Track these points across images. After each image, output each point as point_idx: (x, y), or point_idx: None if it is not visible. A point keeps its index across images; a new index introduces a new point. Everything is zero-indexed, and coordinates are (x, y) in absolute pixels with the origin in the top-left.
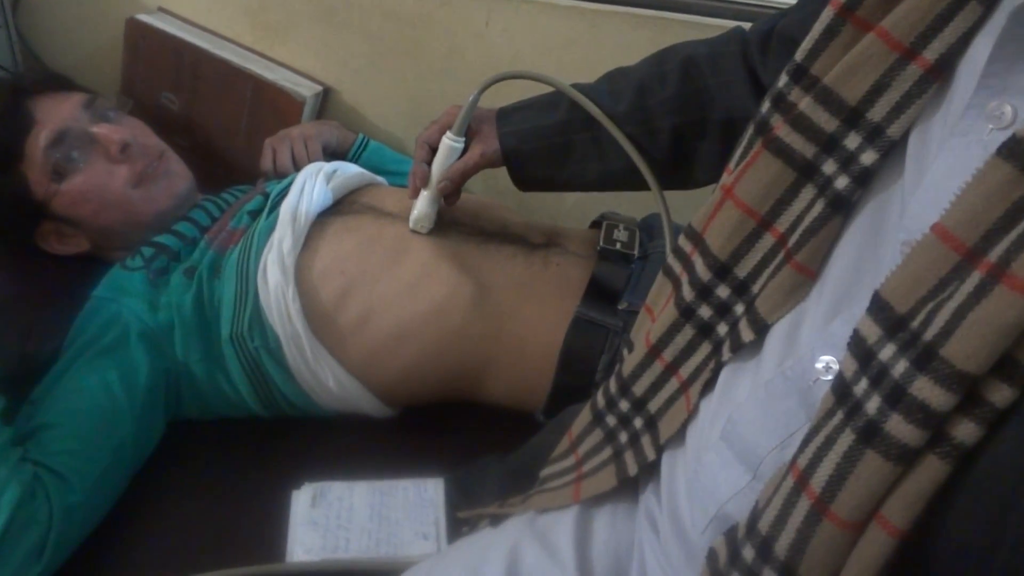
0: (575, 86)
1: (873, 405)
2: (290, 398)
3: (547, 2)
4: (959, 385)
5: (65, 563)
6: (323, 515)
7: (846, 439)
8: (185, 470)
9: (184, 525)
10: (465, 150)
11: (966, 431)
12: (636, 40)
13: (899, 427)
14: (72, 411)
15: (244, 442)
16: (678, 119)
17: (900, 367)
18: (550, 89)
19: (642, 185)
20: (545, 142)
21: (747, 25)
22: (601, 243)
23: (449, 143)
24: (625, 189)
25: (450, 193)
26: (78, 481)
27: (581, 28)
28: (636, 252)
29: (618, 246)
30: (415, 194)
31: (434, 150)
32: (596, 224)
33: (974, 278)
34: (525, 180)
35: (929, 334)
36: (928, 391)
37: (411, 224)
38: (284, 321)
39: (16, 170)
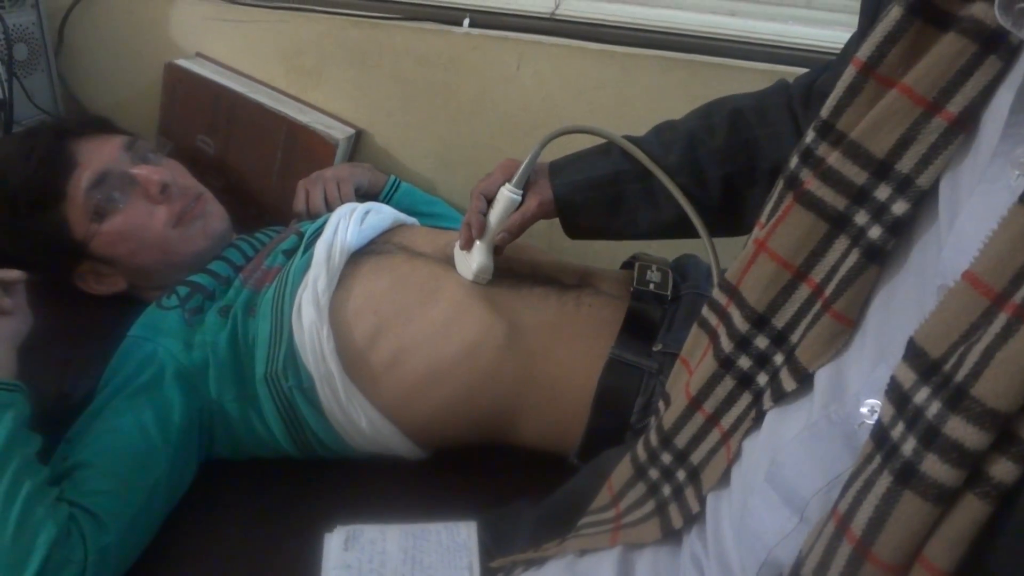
0: (626, 138)
1: (909, 447)
2: (323, 439)
3: (578, 46)
4: (991, 423)
5: None
6: (356, 559)
7: (884, 481)
8: (218, 512)
9: (217, 567)
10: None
11: (1004, 470)
12: (667, 83)
13: (935, 467)
14: (107, 450)
15: (277, 484)
16: (728, 168)
17: (933, 408)
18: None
19: (693, 233)
20: (598, 193)
21: (778, 69)
22: (635, 284)
23: (509, 194)
24: (675, 237)
25: (505, 245)
26: (112, 522)
27: (612, 71)
28: (669, 293)
29: (651, 287)
30: (468, 244)
31: (490, 201)
32: (627, 265)
33: (1001, 319)
34: (577, 229)
35: (960, 375)
36: (961, 430)
37: (472, 276)
38: (318, 361)
39: (57, 210)
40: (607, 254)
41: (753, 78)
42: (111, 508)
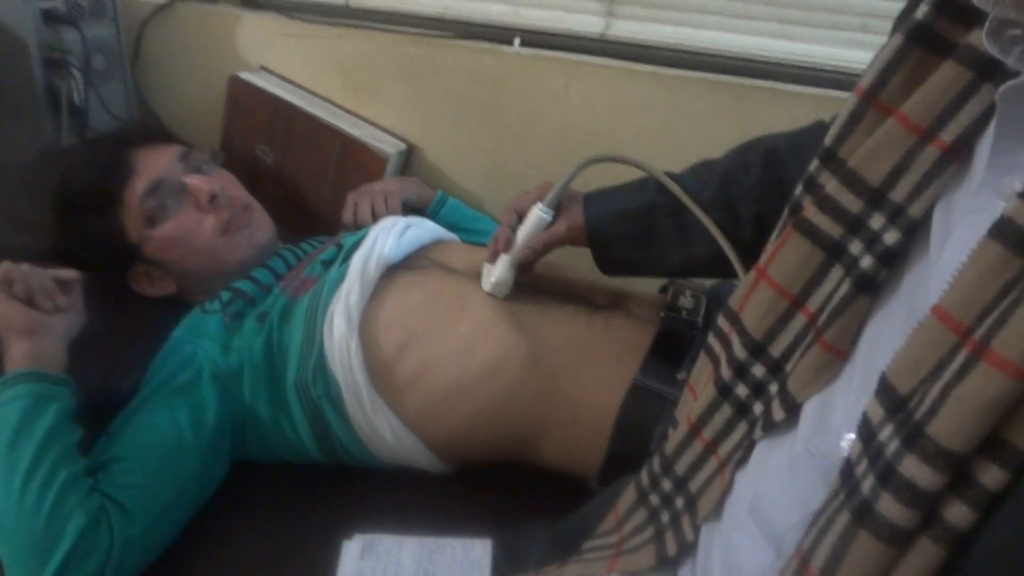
0: (665, 174)
1: (868, 484)
2: (348, 447)
3: (626, 68)
4: (944, 464)
5: None
6: (371, 567)
7: (843, 519)
8: (243, 510)
9: (238, 563)
10: (551, 224)
11: (958, 514)
12: (714, 106)
13: (889, 507)
14: (141, 446)
15: (302, 488)
16: (761, 207)
17: (892, 446)
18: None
19: (724, 273)
20: (630, 225)
21: (830, 94)
22: (665, 309)
23: (539, 213)
24: (708, 276)
25: (529, 263)
26: (140, 514)
27: (659, 94)
28: (701, 320)
29: (683, 313)
30: (493, 257)
31: (521, 218)
32: (666, 290)
33: (961, 356)
34: (609, 262)
35: (919, 413)
36: (915, 469)
37: (489, 288)
38: (346, 371)
39: (114, 215)
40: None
41: (803, 103)
42: (140, 501)
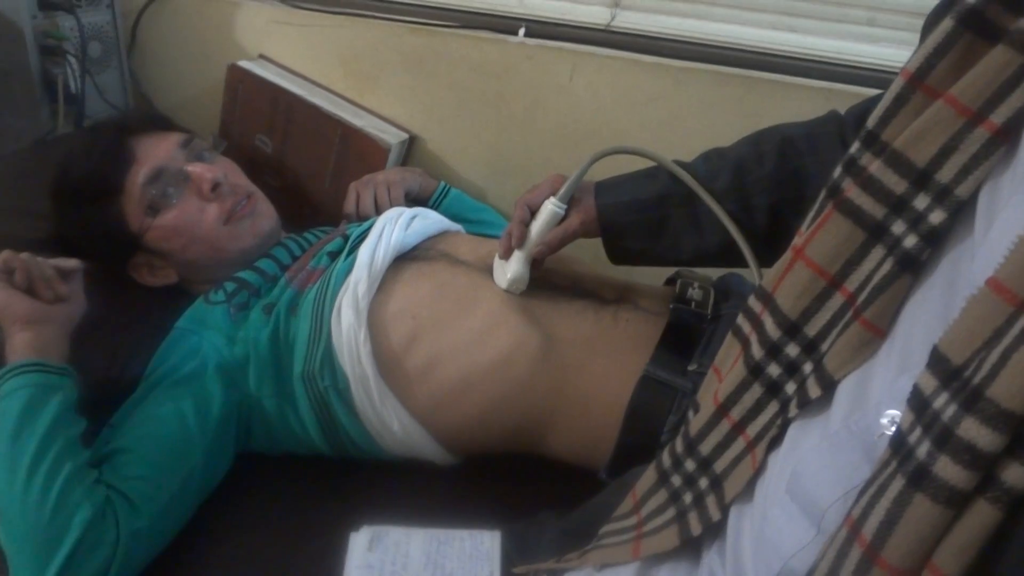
0: (675, 162)
1: (923, 450)
2: (355, 439)
3: (631, 58)
4: (1005, 425)
5: None
6: (379, 559)
7: (897, 485)
8: (249, 503)
9: (245, 556)
10: (564, 218)
11: (1017, 475)
12: (720, 98)
13: (947, 469)
14: (146, 437)
15: (308, 480)
16: (775, 197)
17: (949, 411)
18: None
19: (736, 262)
20: (642, 215)
21: (836, 87)
22: (674, 301)
23: (552, 208)
24: (720, 265)
25: (543, 258)
26: (146, 506)
27: (665, 85)
28: (710, 312)
29: (692, 305)
30: (507, 254)
31: (533, 212)
32: (671, 282)
33: (1020, 323)
34: (620, 252)
35: (977, 377)
36: (974, 431)
37: (506, 285)
38: (354, 363)
39: (115, 203)
40: (652, 270)
41: (810, 96)
42: (146, 493)
